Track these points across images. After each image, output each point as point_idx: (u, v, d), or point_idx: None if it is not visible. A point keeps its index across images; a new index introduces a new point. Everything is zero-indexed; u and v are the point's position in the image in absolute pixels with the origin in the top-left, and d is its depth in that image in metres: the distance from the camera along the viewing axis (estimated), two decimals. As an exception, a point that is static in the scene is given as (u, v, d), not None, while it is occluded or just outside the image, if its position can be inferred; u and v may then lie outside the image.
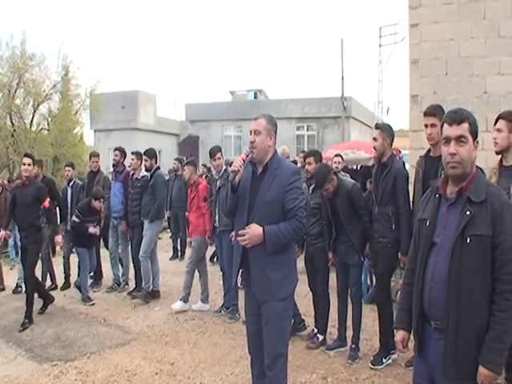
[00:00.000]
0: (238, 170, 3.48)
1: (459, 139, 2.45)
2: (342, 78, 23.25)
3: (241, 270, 3.55)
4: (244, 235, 3.33)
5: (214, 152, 6.56)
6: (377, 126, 4.91)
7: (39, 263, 6.88)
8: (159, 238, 11.96)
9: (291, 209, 3.37)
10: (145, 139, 22.59)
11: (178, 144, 27.19)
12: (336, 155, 8.55)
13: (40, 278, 7.25)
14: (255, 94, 27.39)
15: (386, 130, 4.82)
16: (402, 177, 4.69)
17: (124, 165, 8.14)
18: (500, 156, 3.88)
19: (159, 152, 24.05)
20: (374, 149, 4.83)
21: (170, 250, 11.12)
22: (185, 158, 11.96)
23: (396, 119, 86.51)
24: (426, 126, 4.30)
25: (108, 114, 23.53)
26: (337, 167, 8.02)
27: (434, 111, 4.26)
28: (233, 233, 6.17)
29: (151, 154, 7.64)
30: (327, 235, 5.37)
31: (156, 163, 7.71)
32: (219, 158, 6.56)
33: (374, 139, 4.81)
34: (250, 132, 3.49)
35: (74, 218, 7.49)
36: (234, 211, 3.60)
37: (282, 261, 3.41)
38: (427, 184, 4.13)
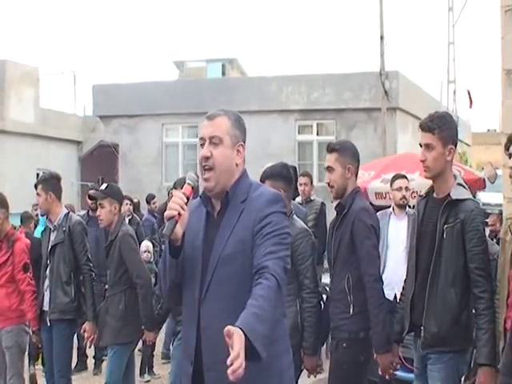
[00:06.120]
0: (179, 215, 2.98)
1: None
2: (381, 38, 20.59)
3: None
4: (234, 364, 2.57)
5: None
6: (331, 148, 4.76)
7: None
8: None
9: (263, 260, 2.97)
10: (17, 150, 21.59)
11: (81, 159, 25.25)
12: (399, 177, 7.79)
13: None
14: (223, 66, 24.62)
15: (346, 151, 4.71)
16: (363, 221, 4.63)
17: None
18: None
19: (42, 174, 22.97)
20: (329, 185, 4.82)
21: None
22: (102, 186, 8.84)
23: (481, 114, 77.68)
24: (421, 146, 4.50)
25: None
26: (404, 198, 7.36)
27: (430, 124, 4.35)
28: (85, 326, 6.02)
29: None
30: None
31: None
32: None
33: (328, 169, 4.77)
34: (202, 141, 3.19)
35: None
36: (178, 289, 3.19)
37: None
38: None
